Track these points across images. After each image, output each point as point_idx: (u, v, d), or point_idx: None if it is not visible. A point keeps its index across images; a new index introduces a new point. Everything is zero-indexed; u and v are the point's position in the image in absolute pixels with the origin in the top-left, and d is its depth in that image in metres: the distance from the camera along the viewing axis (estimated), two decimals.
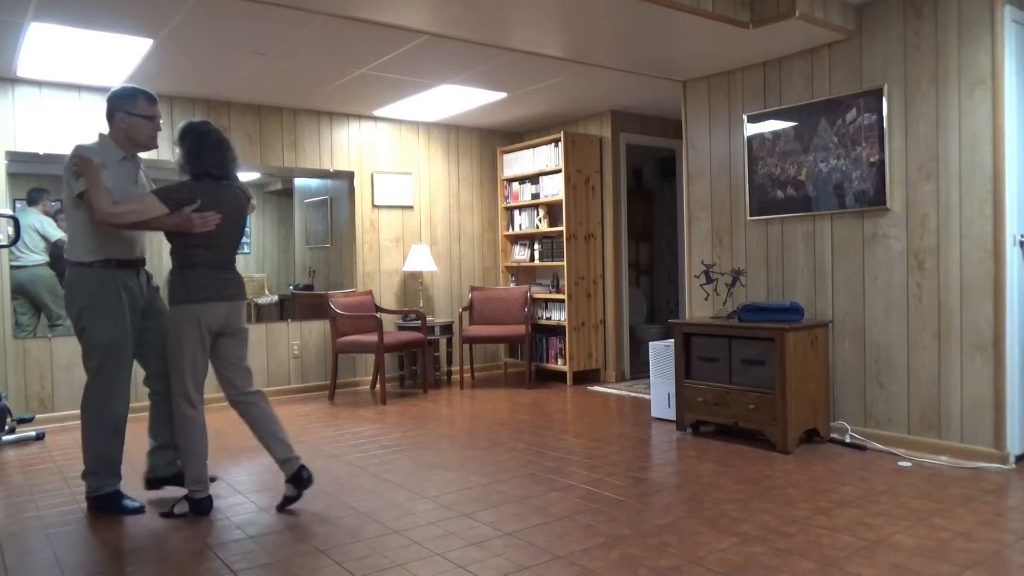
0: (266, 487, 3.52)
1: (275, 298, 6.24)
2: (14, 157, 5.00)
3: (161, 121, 3.26)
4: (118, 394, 3.18)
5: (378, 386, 6.21)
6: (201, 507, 3.13)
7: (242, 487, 3.54)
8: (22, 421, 4.80)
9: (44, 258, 5.20)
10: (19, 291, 5.08)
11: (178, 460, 3.34)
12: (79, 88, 5.19)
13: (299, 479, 3.16)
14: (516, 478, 3.59)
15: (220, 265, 3.11)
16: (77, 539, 2.89)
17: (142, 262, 3.30)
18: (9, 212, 4.87)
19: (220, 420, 5.14)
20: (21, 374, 5.03)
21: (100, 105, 5.26)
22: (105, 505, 3.19)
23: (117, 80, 5.02)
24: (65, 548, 2.79)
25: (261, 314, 6.13)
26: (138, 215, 2.94)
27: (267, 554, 2.70)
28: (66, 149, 5.12)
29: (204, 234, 3.02)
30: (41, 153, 5.08)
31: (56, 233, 5.20)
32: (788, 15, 3.74)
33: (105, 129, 3.21)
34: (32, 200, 5.20)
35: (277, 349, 6.03)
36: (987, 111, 3.58)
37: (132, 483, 3.53)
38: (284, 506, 3.19)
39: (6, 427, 4.54)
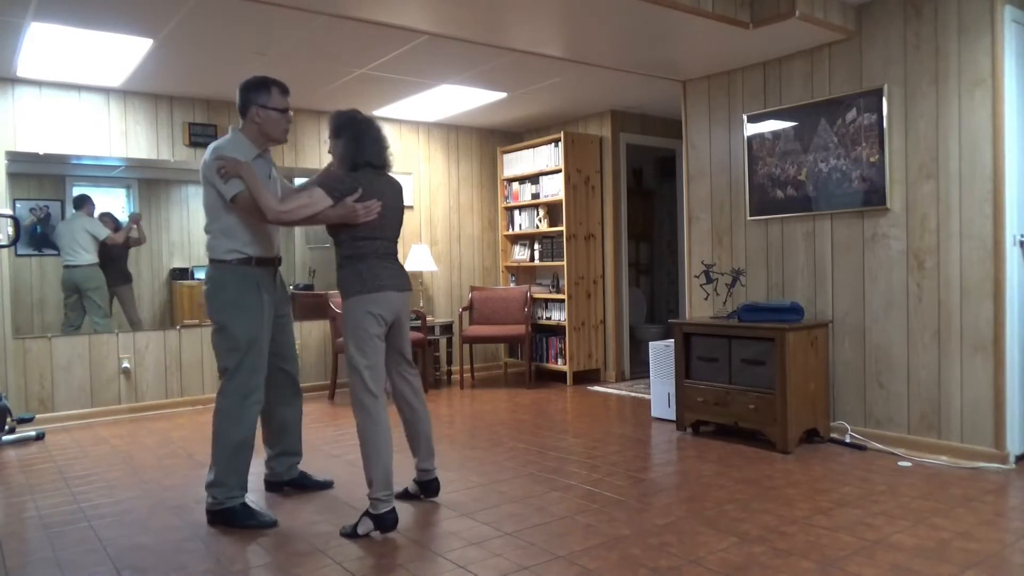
0: (265, 487, 3.51)
1: None
2: (14, 157, 5.00)
3: (292, 113, 3.17)
4: (254, 395, 3.04)
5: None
6: (385, 522, 2.84)
7: None
8: (22, 421, 4.81)
9: (95, 258, 5.41)
10: (72, 289, 5.32)
11: (297, 464, 3.42)
12: (79, 88, 5.19)
13: (427, 487, 3.22)
14: (516, 478, 3.58)
15: (386, 255, 3.01)
16: (77, 539, 2.89)
17: (279, 261, 3.26)
18: (9, 212, 4.88)
19: None
20: (21, 374, 5.03)
21: (100, 105, 5.27)
22: (229, 519, 2.98)
23: (117, 80, 5.03)
24: (65, 548, 2.79)
25: None
26: (308, 209, 2.85)
27: (267, 554, 2.70)
28: (66, 149, 5.15)
29: (369, 225, 2.93)
30: (41, 153, 5.08)
31: (103, 232, 5.45)
32: (788, 15, 3.74)
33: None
34: (78, 205, 5.41)
35: None
36: (987, 111, 3.58)
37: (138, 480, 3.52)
38: (399, 497, 3.21)
39: (6, 427, 4.54)
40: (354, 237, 2.94)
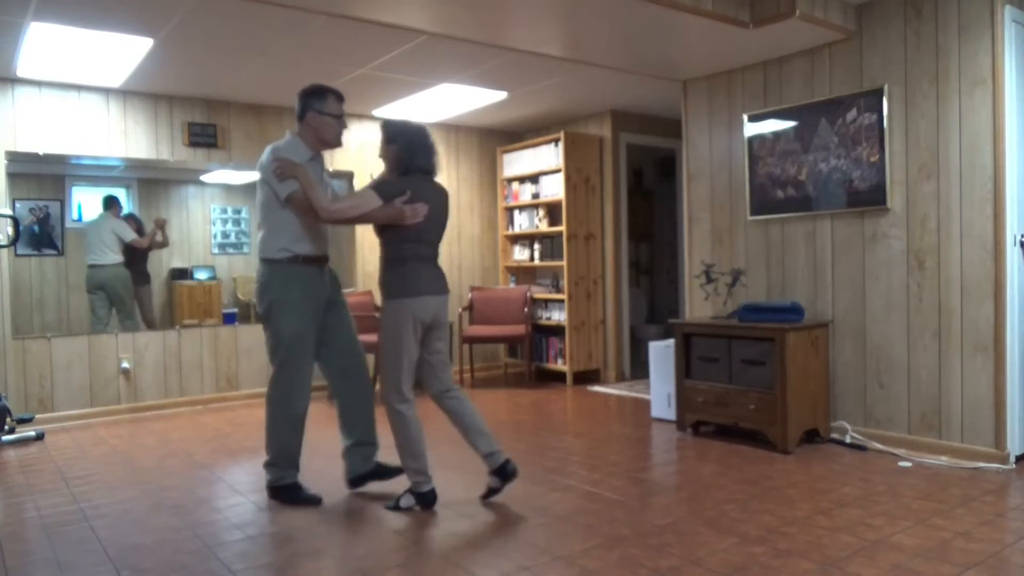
0: (265, 487, 3.51)
1: None
2: (14, 157, 5.00)
3: (346, 119, 3.33)
4: (300, 388, 3.26)
5: (378, 386, 6.20)
6: (426, 499, 3.12)
7: (242, 487, 3.54)
8: (22, 421, 4.80)
9: (121, 258, 5.55)
10: (98, 287, 5.47)
11: (374, 456, 3.44)
12: (79, 88, 5.18)
13: (503, 472, 3.17)
14: (516, 478, 3.58)
15: (428, 259, 3.14)
16: (77, 539, 2.89)
17: (327, 259, 3.38)
18: (9, 212, 4.88)
19: (219, 420, 5.15)
20: (21, 374, 5.03)
21: (100, 105, 5.27)
22: (284, 496, 3.29)
23: (117, 80, 5.03)
24: (65, 548, 2.79)
25: None
26: (358, 209, 3.01)
27: (267, 554, 2.70)
28: (66, 149, 5.15)
29: (414, 228, 3.04)
30: (41, 153, 5.08)
31: (129, 235, 5.59)
32: (788, 15, 3.73)
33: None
34: (106, 205, 5.56)
35: None
36: (987, 111, 3.58)
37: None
38: (487, 496, 3.22)
39: (6, 427, 4.54)
40: (399, 239, 3.06)
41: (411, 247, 3.07)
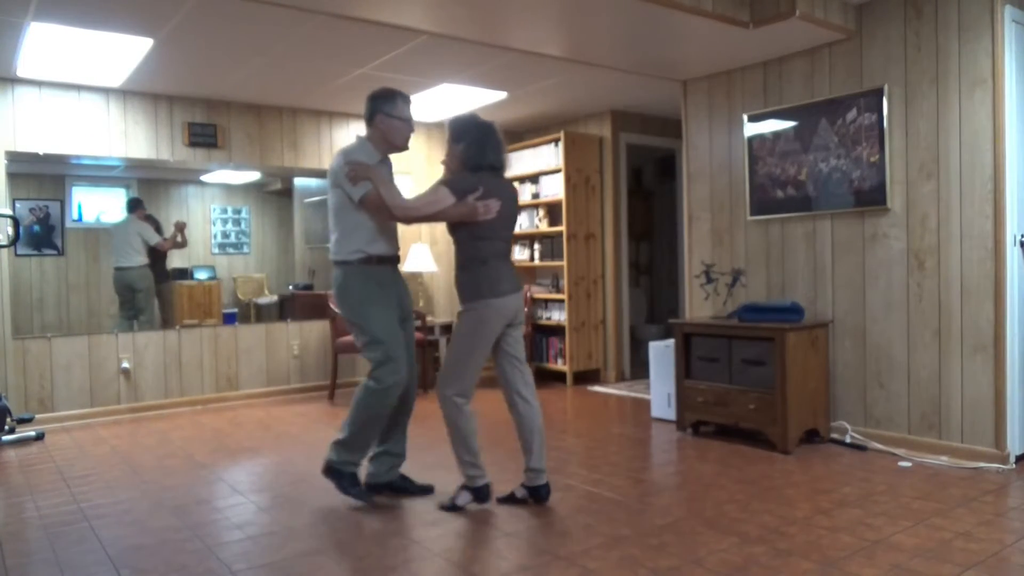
0: (265, 487, 3.52)
1: (275, 298, 6.24)
2: (14, 157, 5.00)
3: (414, 122, 3.31)
4: (398, 383, 3.19)
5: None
6: (481, 493, 3.11)
7: (242, 487, 3.54)
8: (22, 421, 4.81)
9: (146, 260, 5.65)
10: (127, 289, 5.60)
11: (399, 468, 3.39)
12: (79, 88, 5.18)
13: (536, 493, 3.17)
14: (516, 478, 3.57)
15: (505, 256, 3.13)
16: (77, 539, 2.89)
17: (399, 259, 3.37)
18: (9, 212, 4.88)
19: (219, 420, 5.15)
20: (21, 374, 5.03)
21: (100, 105, 5.27)
22: (342, 481, 3.24)
23: (117, 80, 5.03)
24: (65, 548, 2.79)
25: (261, 314, 6.14)
26: (433, 206, 2.98)
27: (267, 554, 2.70)
28: (66, 149, 5.15)
29: (488, 225, 3.02)
30: (41, 153, 5.08)
31: (154, 237, 5.69)
32: (788, 15, 3.74)
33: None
34: (131, 208, 5.64)
35: (277, 349, 6.03)
36: (987, 111, 3.58)
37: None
38: (505, 501, 3.21)
39: (6, 427, 4.54)
40: (474, 237, 3.04)
41: (488, 244, 3.05)
